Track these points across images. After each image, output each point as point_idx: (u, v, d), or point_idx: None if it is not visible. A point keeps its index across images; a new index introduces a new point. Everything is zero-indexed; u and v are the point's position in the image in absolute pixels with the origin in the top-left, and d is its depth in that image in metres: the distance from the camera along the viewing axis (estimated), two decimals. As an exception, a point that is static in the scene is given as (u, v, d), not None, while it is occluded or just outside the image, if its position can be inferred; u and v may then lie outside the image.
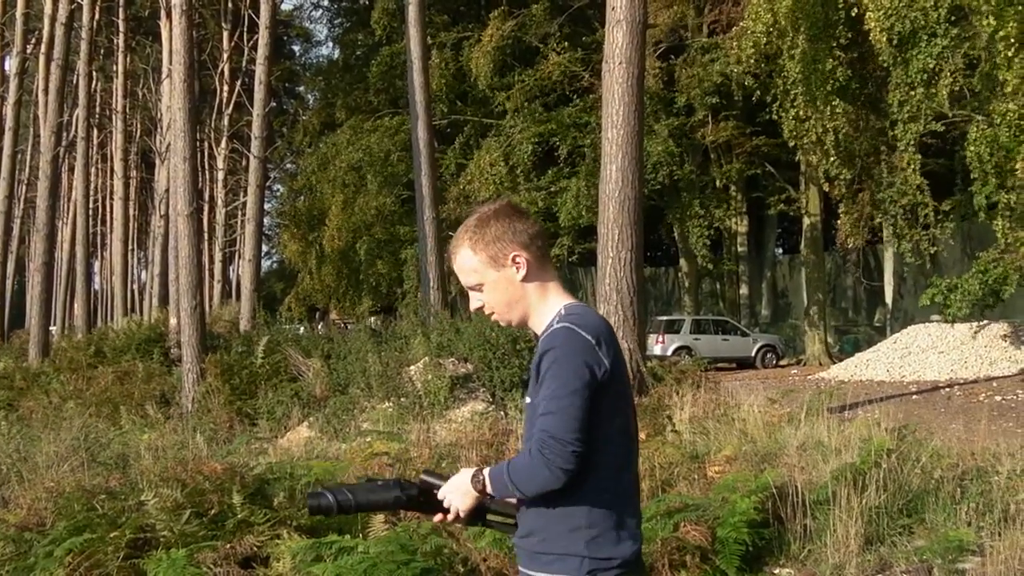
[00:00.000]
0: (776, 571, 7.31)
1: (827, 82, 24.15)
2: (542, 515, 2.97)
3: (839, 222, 33.45)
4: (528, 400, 3.08)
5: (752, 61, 25.82)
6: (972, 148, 21.56)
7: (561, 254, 36.36)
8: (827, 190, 30.62)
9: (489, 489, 3.00)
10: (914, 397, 20.80)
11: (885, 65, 23.63)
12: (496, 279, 3.11)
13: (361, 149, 40.03)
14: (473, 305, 3.21)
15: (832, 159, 25.54)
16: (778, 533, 7.63)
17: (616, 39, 14.40)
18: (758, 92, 27.31)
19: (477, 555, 6.54)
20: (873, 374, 26.01)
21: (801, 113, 25.12)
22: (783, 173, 38.14)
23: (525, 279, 3.11)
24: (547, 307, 3.13)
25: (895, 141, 24.08)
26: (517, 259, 3.10)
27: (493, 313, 3.18)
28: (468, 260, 3.13)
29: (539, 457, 2.84)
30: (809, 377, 27.45)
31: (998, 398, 19.76)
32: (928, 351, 26.57)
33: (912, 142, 23.19)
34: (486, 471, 3.02)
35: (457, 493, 3.06)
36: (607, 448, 2.94)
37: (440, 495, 3.10)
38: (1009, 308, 26.97)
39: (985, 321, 26.81)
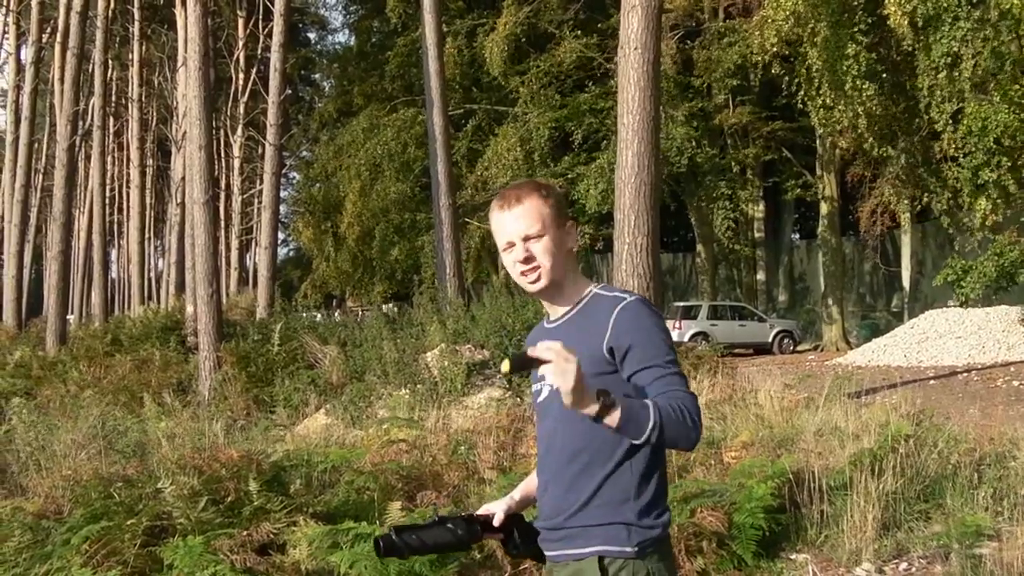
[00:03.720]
0: (792, 556, 7.30)
1: (852, 67, 24.07)
2: (581, 489, 2.93)
3: (861, 205, 33.40)
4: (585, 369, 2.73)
5: (775, 51, 25.76)
6: (966, 123, 21.55)
7: (584, 243, 36.40)
8: (861, 173, 30.54)
9: (620, 418, 2.67)
10: (931, 382, 20.75)
11: (910, 49, 23.55)
12: (555, 235, 3.07)
13: (379, 144, 40.00)
14: (518, 255, 3.05)
15: (870, 141, 25.51)
16: (795, 519, 7.63)
17: (631, 24, 14.35)
18: (785, 79, 27.27)
19: (493, 541, 6.54)
20: (890, 359, 25.94)
21: (828, 100, 25.06)
22: (800, 158, 38.07)
23: (571, 248, 3.13)
24: (576, 282, 3.13)
25: (931, 124, 24.04)
26: (572, 226, 3.14)
27: (537, 268, 3.04)
28: (538, 206, 3.07)
29: (688, 417, 2.75)
30: (826, 362, 27.41)
31: (1016, 383, 19.69)
32: (946, 336, 26.48)
33: (949, 123, 23.15)
34: (624, 401, 2.70)
35: (575, 394, 2.64)
36: None
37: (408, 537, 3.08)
38: (1027, 293, 26.91)
39: (1004, 306, 26.73)
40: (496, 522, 3.15)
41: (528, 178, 3.41)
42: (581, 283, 3.13)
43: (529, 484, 3.26)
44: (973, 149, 21.75)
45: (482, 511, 3.21)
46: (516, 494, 3.28)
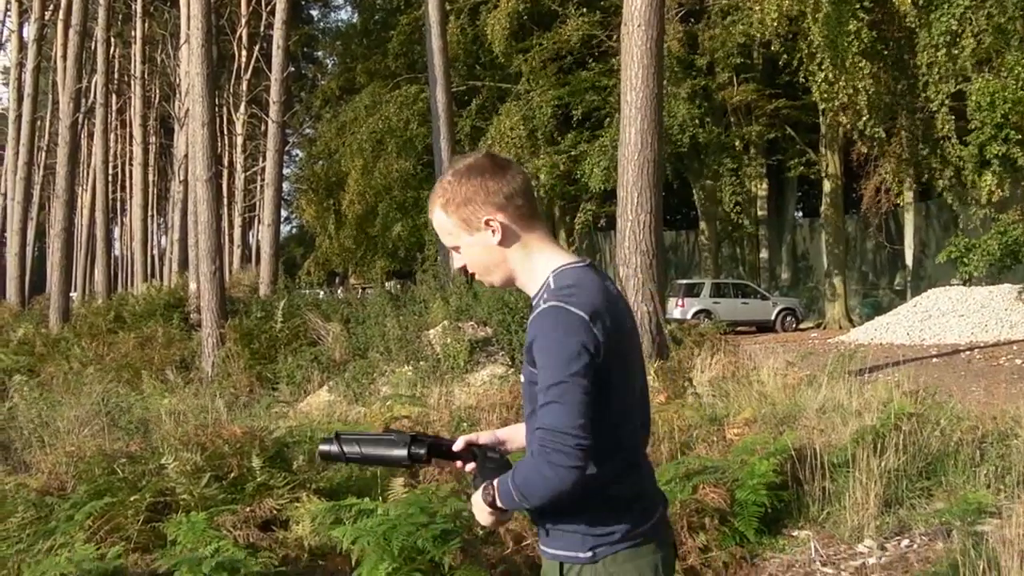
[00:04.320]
0: (795, 533, 7.32)
1: (852, 43, 24.03)
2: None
3: (864, 183, 33.35)
4: (523, 378, 2.86)
5: (775, 25, 25.71)
6: (974, 99, 21.52)
7: (587, 220, 36.37)
8: (864, 151, 30.53)
9: (499, 504, 2.82)
10: (934, 360, 20.77)
11: (911, 27, 23.52)
12: (471, 242, 2.90)
13: (381, 120, 39.95)
14: (456, 264, 3.01)
15: (866, 118, 25.46)
16: (797, 495, 7.63)
17: (635, 1, 14.32)
18: (784, 55, 27.21)
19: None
20: (893, 337, 25.96)
21: (830, 76, 25.03)
22: (803, 136, 38.02)
23: (502, 243, 2.87)
24: (535, 271, 2.90)
25: (928, 103, 24.00)
26: (491, 223, 2.86)
27: (475, 274, 2.98)
28: (442, 221, 2.93)
29: (544, 462, 2.64)
30: (829, 340, 27.42)
31: (1018, 361, 19.71)
32: (948, 314, 26.49)
33: (945, 102, 23.11)
34: (495, 482, 2.82)
35: (476, 509, 2.93)
36: (624, 424, 2.82)
37: (348, 446, 3.05)
38: (1031, 271, 26.91)
39: (1006, 284, 26.74)
40: (456, 447, 3.03)
41: (468, 153, 3.09)
42: (538, 266, 2.90)
43: (519, 430, 3.12)
44: (980, 124, 21.71)
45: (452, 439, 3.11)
46: (501, 432, 3.18)
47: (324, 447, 3.07)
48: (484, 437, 3.12)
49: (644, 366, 3.04)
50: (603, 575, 2.80)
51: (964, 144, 23.69)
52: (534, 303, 2.82)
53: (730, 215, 37.04)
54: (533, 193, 2.96)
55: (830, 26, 24.18)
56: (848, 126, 28.95)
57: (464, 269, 2.99)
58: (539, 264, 2.89)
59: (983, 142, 21.87)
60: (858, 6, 24.08)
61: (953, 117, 23.72)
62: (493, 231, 2.87)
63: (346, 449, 3.05)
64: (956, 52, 22.30)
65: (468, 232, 2.89)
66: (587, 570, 2.81)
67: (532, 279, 2.90)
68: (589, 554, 2.80)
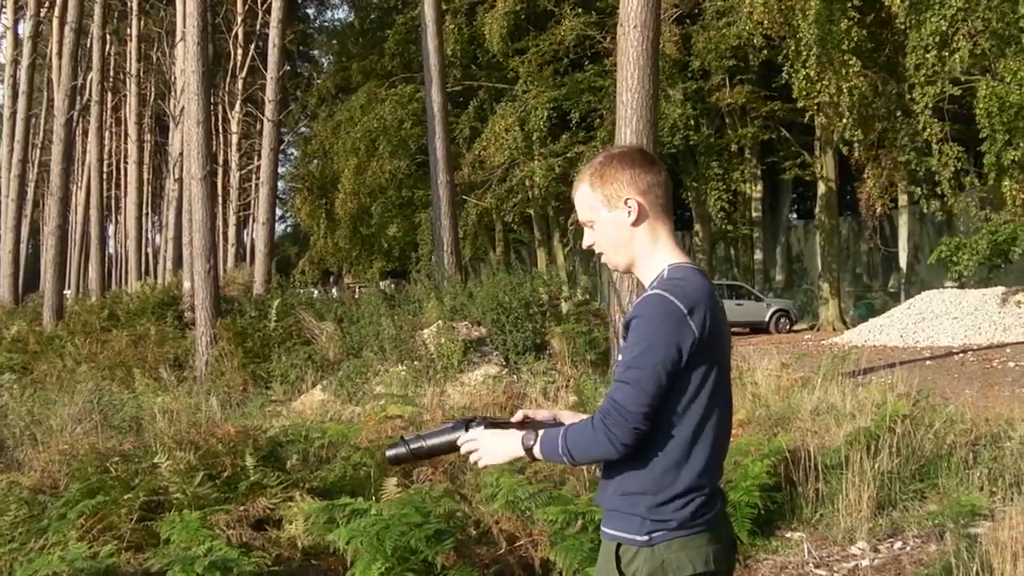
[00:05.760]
0: (788, 535, 7.33)
1: (842, 42, 24.01)
2: (608, 473, 3.03)
3: (858, 186, 33.39)
4: (619, 359, 3.01)
5: (763, 20, 25.72)
6: (982, 106, 21.48)
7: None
8: (847, 154, 30.57)
9: (538, 453, 3.01)
10: (928, 363, 20.78)
11: (902, 28, 23.51)
12: (607, 219, 3.09)
13: (375, 118, 39.94)
14: (586, 242, 3.20)
15: (846, 120, 25.43)
16: (790, 497, 7.65)
17: (631, 2, 14.31)
18: (766, 52, 27.24)
19: (489, 518, 6.56)
20: (887, 339, 25.98)
21: (812, 73, 25.00)
22: (798, 138, 38.02)
23: (635, 224, 3.07)
24: (654, 259, 3.09)
25: (913, 104, 23.98)
26: (629, 202, 3.06)
27: (602, 253, 3.17)
28: (586, 195, 3.13)
29: (601, 428, 2.84)
30: (823, 342, 27.44)
31: (1012, 364, 19.72)
32: (942, 317, 26.51)
33: (929, 105, 23.09)
34: (540, 433, 3.02)
35: (499, 447, 3.11)
36: (707, 419, 2.94)
37: (469, 442, 3.15)
38: (1024, 273, 26.97)
39: (1000, 287, 26.77)
40: (514, 419, 3.22)
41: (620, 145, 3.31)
42: (659, 258, 3.09)
43: (576, 416, 3.26)
44: (991, 132, 21.66)
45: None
46: (561, 413, 3.33)
47: (392, 452, 3.28)
48: (542, 414, 3.29)
49: (730, 370, 3.16)
50: (656, 559, 2.90)
51: (963, 147, 23.72)
52: (644, 291, 3.01)
53: (721, 219, 37.09)
54: (671, 191, 3.20)
55: (820, 23, 24.14)
56: (830, 129, 28.95)
57: (591, 249, 3.19)
58: (660, 255, 3.09)
59: (999, 149, 21.78)
60: (850, 4, 24.09)
61: (936, 120, 23.72)
62: (630, 211, 3.07)
63: (412, 446, 3.23)
64: (945, 54, 22.30)
65: (607, 208, 3.10)
66: (642, 552, 2.92)
67: (650, 268, 3.09)
68: (646, 538, 2.92)
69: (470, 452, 3.14)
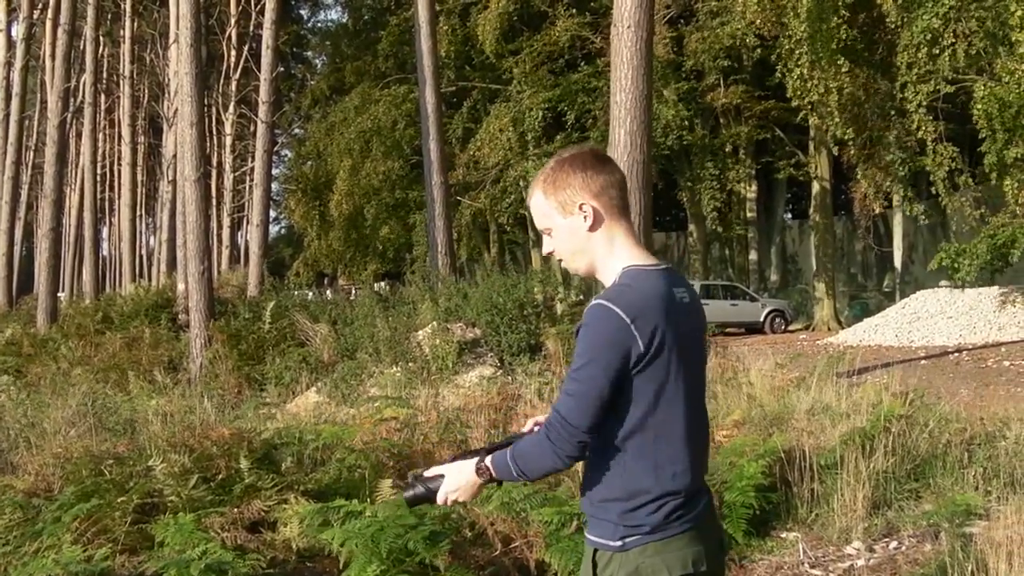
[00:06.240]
0: (783, 535, 7.32)
1: (832, 40, 24.00)
2: (586, 478, 3.04)
3: (852, 186, 33.39)
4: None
5: (756, 19, 25.71)
6: (980, 106, 21.46)
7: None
8: (837, 153, 30.58)
9: (494, 475, 3.04)
10: (923, 362, 20.79)
11: (893, 26, 23.49)
12: (563, 225, 3.09)
13: (369, 119, 39.94)
14: (545, 249, 3.21)
15: (836, 120, 25.43)
16: (785, 497, 7.64)
17: (625, 3, 14.31)
18: (759, 52, 27.23)
19: (485, 519, 6.55)
20: (882, 339, 26.01)
21: (805, 72, 24.99)
22: (792, 137, 38.07)
23: (591, 229, 3.05)
24: (611, 263, 3.07)
25: (906, 104, 23.96)
26: (584, 207, 3.04)
27: (562, 260, 3.17)
28: (540, 203, 3.13)
29: (546, 442, 2.88)
30: (818, 342, 27.47)
31: (1007, 363, 19.74)
32: (937, 316, 26.54)
33: (923, 104, 23.08)
34: (488, 459, 3.05)
35: (460, 480, 3.12)
36: (666, 424, 2.91)
37: (433, 483, 3.17)
38: (1020, 274, 26.95)
39: (995, 287, 26.78)
40: (524, 430, 3.27)
41: (573, 145, 3.24)
42: (617, 261, 3.07)
43: None
44: (991, 132, 21.63)
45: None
46: None
47: (409, 493, 3.24)
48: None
49: (703, 371, 3.14)
50: (631, 564, 2.91)
51: (958, 147, 23.71)
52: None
53: (714, 219, 37.10)
54: (627, 190, 3.18)
55: (811, 21, 24.11)
56: (823, 128, 28.92)
57: (551, 255, 3.20)
58: (617, 258, 3.07)
59: (1000, 148, 21.72)
60: (841, 2, 24.07)
61: (930, 118, 23.69)
62: (585, 216, 3.05)
63: (431, 486, 3.19)
64: (936, 52, 22.28)
65: (562, 215, 3.09)
66: (616, 558, 2.93)
67: (609, 271, 3.08)
68: (619, 543, 2.93)
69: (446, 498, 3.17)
